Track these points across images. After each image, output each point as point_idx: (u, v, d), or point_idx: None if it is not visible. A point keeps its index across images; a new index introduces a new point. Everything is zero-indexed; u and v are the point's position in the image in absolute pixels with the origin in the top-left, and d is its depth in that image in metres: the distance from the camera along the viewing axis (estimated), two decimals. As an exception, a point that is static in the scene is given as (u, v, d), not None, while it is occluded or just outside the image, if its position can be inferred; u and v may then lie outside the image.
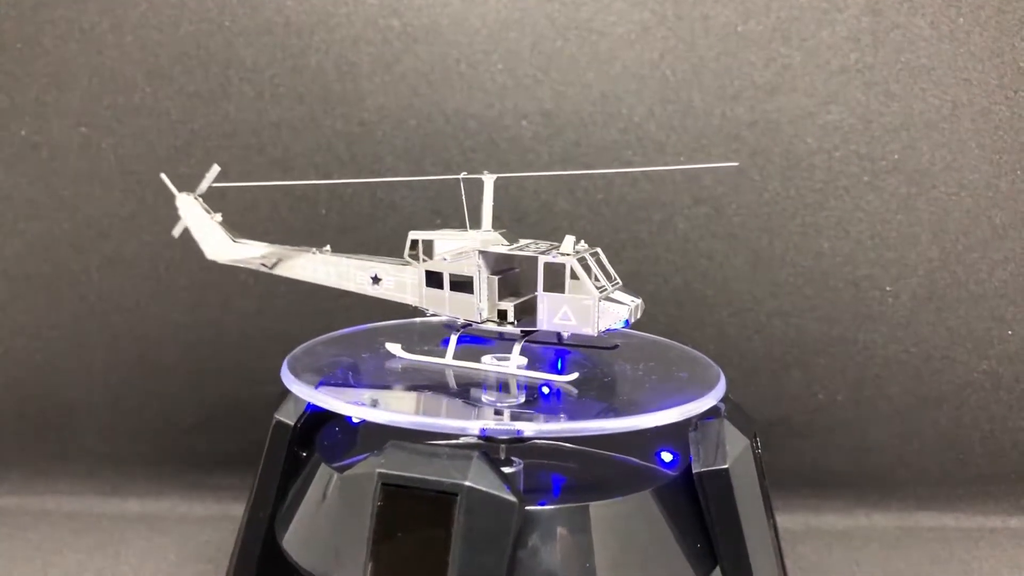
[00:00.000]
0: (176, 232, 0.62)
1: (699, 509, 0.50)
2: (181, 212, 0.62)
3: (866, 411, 0.80)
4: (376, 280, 0.57)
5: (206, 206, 0.61)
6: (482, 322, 0.54)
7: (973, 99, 0.76)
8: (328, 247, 0.61)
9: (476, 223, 0.56)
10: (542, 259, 0.51)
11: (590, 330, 0.51)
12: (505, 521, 0.43)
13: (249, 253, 0.62)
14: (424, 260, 0.55)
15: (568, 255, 0.51)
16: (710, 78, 0.77)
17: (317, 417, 0.57)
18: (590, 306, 0.51)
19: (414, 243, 0.56)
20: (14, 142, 0.78)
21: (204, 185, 0.61)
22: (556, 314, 0.51)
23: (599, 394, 0.53)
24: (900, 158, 0.77)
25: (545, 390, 0.53)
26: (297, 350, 0.60)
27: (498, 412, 0.49)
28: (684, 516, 0.50)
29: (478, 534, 0.43)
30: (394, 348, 0.58)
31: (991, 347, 0.79)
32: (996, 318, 0.79)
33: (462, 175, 0.56)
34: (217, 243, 0.62)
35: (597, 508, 0.47)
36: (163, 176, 0.61)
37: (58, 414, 0.82)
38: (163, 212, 0.79)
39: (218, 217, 0.62)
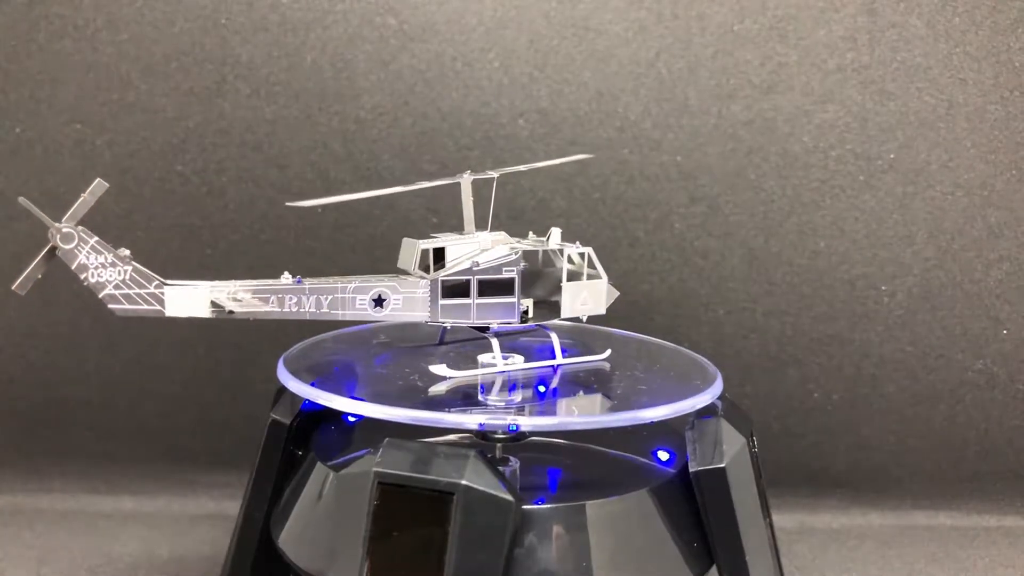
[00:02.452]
0: (22, 286, 0.45)
1: (696, 508, 0.50)
2: (62, 253, 0.45)
3: (862, 410, 0.80)
4: (379, 302, 0.51)
5: (101, 240, 0.45)
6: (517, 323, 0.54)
7: (968, 98, 0.77)
8: (288, 274, 0.50)
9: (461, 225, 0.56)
10: (568, 250, 0.54)
11: (601, 310, 0.56)
12: (502, 520, 0.43)
13: (189, 301, 0.46)
14: (433, 270, 0.52)
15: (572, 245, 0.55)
16: (706, 77, 0.77)
17: (313, 415, 0.57)
18: (603, 289, 0.55)
19: (425, 253, 0.52)
20: (8, 139, 0.78)
21: (82, 208, 0.45)
22: (577, 300, 0.55)
23: (596, 391, 0.53)
24: (896, 157, 0.77)
25: (541, 388, 0.53)
26: (293, 348, 0.60)
27: (495, 408, 0.49)
28: (681, 515, 0.50)
29: (475, 533, 0.43)
30: (440, 369, 0.53)
31: (986, 346, 0.79)
32: (991, 317, 0.79)
33: (467, 175, 0.55)
34: (130, 292, 0.46)
35: (594, 507, 0.47)
36: (24, 201, 0.45)
37: (52, 412, 0.81)
38: (159, 210, 0.79)
39: (124, 252, 0.46)
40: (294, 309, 0.49)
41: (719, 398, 0.53)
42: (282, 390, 0.55)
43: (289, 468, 0.55)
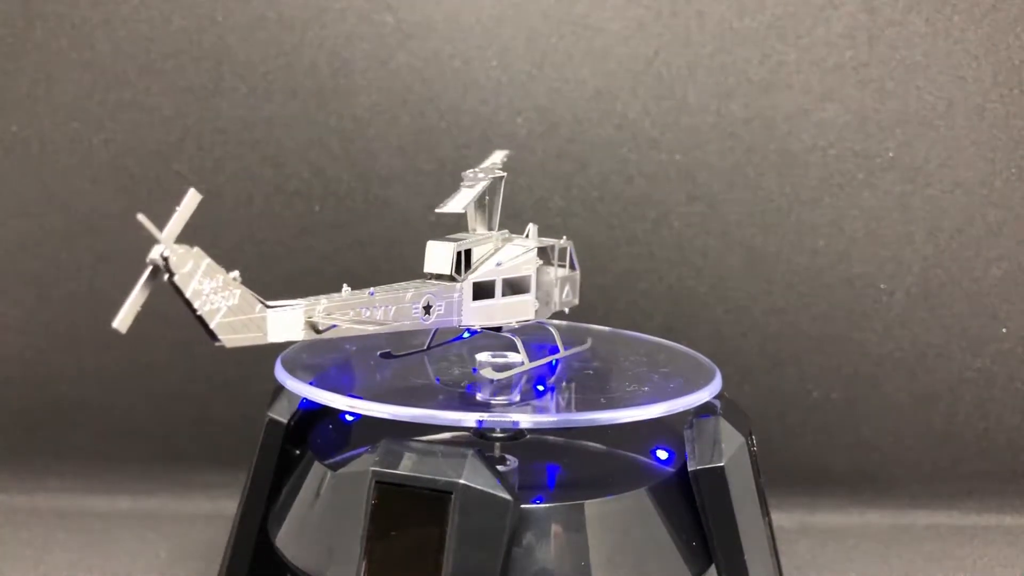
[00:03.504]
0: (123, 323, 0.39)
1: (694, 507, 0.50)
2: (178, 279, 0.39)
3: (860, 409, 0.80)
4: (427, 309, 0.49)
5: (212, 261, 0.39)
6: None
7: (968, 97, 0.76)
8: (347, 287, 0.47)
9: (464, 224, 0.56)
10: (557, 245, 0.56)
11: (576, 301, 0.58)
12: (500, 519, 0.43)
13: (288, 323, 0.42)
14: (464, 272, 0.51)
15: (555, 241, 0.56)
16: (705, 75, 0.77)
17: (310, 414, 0.56)
18: (578, 280, 0.58)
19: (459, 256, 0.51)
20: (4, 137, 0.78)
21: (179, 224, 0.39)
22: (563, 294, 0.56)
23: (594, 389, 0.53)
24: (895, 155, 0.77)
25: (540, 388, 0.53)
26: (291, 347, 0.60)
27: (493, 406, 0.49)
28: (679, 514, 0.50)
29: (473, 532, 0.42)
30: (487, 372, 0.52)
31: (985, 345, 0.79)
32: (990, 316, 0.79)
33: (482, 175, 0.55)
34: (235, 320, 0.41)
35: (592, 506, 0.47)
36: (142, 218, 0.38)
37: (49, 412, 0.81)
38: (156, 209, 0.78)
39: (233, 274, 0.41)
40: (369, 322, 0.47)
41: (717, 397, 0.53)
42: (279, 389, 0.55)
43: (287, 467, 0.55)
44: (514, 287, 0.53)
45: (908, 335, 0.79)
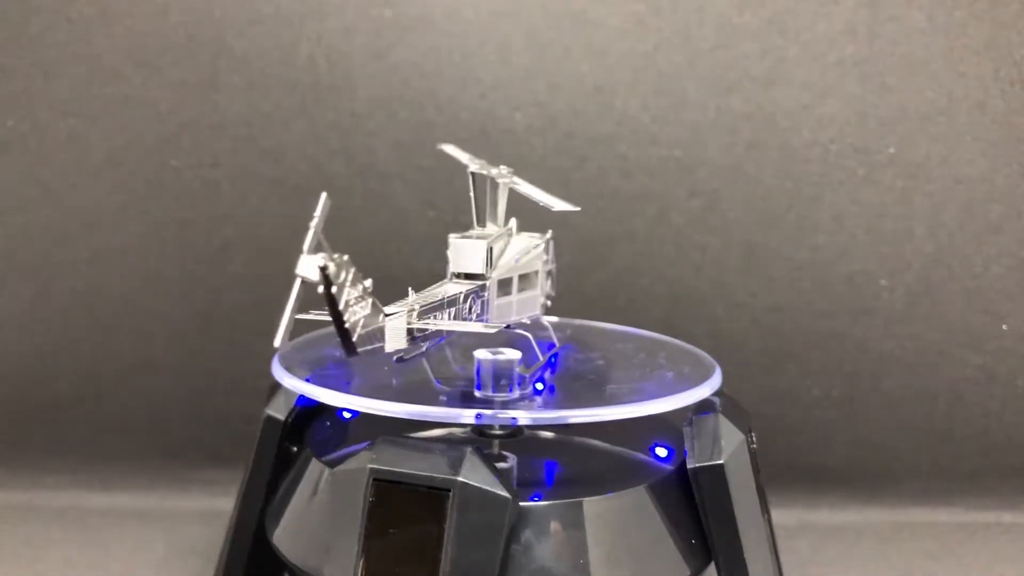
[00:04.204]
0: (284, 342, 0.38)
1: (694, 504, 0.49)
2: (335, 290, 0.37)
3: (861, 406, 0.80)
4: (470, 309, 0.48)
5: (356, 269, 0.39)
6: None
7: (969, 92, 0.76)
8: (412, 291, 0.46)
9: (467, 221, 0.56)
10: (544, 239, 0.56)
11: (554, 293, 0.58)
12: (498, 517, 0.42)
13: (398, 330, 0.41)
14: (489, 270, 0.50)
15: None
16: (705, 70, 0.76)
17: (308, 411, 0.56)
18: (555, 273, 0.58)
19: (488, 252, 0.50)
20: (0, 133, 0.77)
21: (319, 229, 0.38)
22: (546, 288, 0.56)
23: (593, 386, 0.52)
24: (896, 152, 0.77)
25: (539, 386, 0.52)
26: (288, 344, 0.59)
27: (492, 403, 0.49)
28: (679, 512, 0.49)
29: (471, 530, 0.42)
30: (522, 371, 0.50)
31: (986, 342, 0.79)
32: (991, 313, 0.79)
33: (498, 170, 0.55)
34: (370, 331, 0.39)
35: (591, 504, 0.46)
36: (313, 227, 0.38)
37: (46, 408, 0.81)
38: (153, 204, 0.78)
39: (367, 282, 0.40)
40: (447, 326, 0.46)
41: (717, 394, 0.53)
42: (277, 386, 0.55)
43: (284, 464, 0.55)
44: (525, 283, 0.53)
45: (908, 332, 0.79)
